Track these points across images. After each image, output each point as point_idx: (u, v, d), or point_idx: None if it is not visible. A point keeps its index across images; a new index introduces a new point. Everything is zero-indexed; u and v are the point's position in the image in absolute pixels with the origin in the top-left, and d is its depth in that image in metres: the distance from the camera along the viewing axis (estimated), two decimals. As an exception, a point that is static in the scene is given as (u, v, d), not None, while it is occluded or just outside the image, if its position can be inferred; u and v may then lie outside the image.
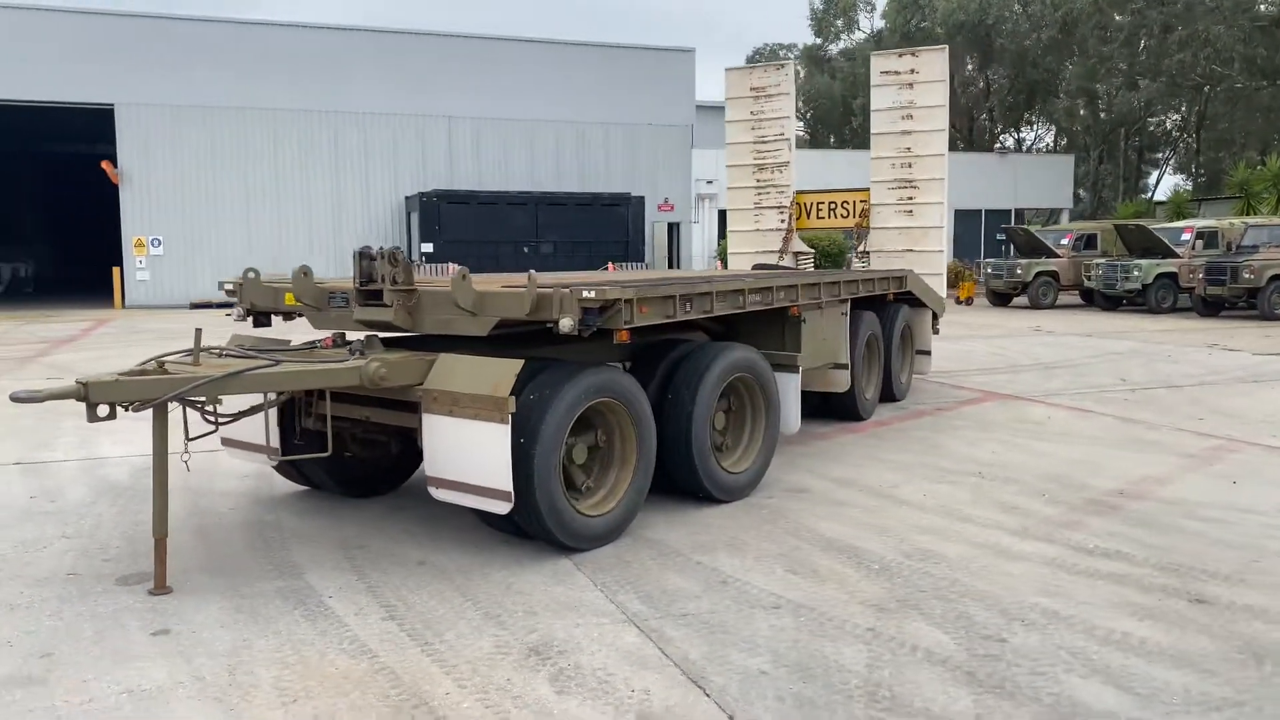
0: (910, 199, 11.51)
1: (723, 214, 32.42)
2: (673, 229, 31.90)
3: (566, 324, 4.92)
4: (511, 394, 4.76)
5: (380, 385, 5.00)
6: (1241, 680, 3.71)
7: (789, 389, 6.86)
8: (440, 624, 4.30)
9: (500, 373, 4.84)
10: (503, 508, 4.85)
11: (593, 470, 5.55)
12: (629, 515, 5.51)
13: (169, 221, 26.73)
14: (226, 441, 6.19)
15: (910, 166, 11.45)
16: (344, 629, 4.26)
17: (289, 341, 5.64)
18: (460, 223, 26.17)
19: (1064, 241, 25.47)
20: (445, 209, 26.12)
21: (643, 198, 28.83)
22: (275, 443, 5.87)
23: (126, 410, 4.56)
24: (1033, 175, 37.87)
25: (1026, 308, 24.40)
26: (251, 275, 6.13)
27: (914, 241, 11.54)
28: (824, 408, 8.94)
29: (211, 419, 5.09)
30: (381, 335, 5.67)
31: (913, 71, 11.37)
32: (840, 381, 8.42)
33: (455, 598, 4.62)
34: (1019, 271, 24.62)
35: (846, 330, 8.35)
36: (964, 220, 36.28)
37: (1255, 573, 4.89)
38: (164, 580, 4.73)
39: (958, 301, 26.22)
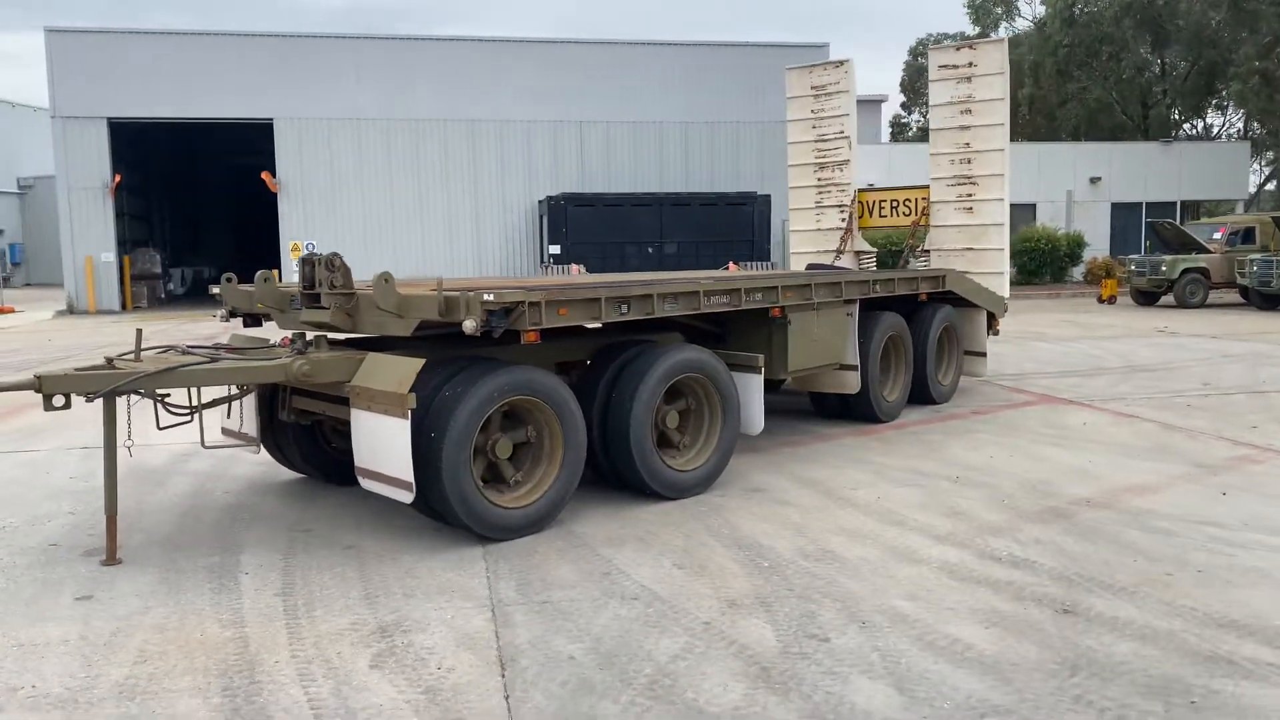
0: (970, 195, 11.17)
1: (857, 211, 31.82)
2: (805, 227, 31.54)
3: (469, 325, 5.22)
4: (411, 391, 5.10)
5: (305, 382, 5.44)
6: (1032, 690, 3.64)
7: (751, 390, 6.92)
8: (319, 602, 4.68)
9: (403, 371, 5.19)
10: (406, 497, 5.20)
11: (524, 465, 5.82)
12: (553, 508, 5.75)
13: (321, 227, 28.54)
14: (225, 432, 6.83)
15: (970, 162, 11.10)
16: (236, 602, 4.70)
17: (267, 341, 6.17)
18: (587, 225, 26.80)
19: (1216, 236, 23.81)
20: (572, 211, 26.80)
21: (769, 196, 28.67)
22: (254, 433, 6.45)
23: (87, 400, 5.14)
24: (1201, 165, 35.31)
25: (1173, 307, 22.95)
26: (229, 281, 6.70)
27: (973, 239, 11.19)
28: (842, 409, 8.88)
29: (180, 411, 5.67)
30: (341, 336, 6.12)
31: (971, 65, 11.03)
32: (849, 383, 8.37)
33: (353, 578, 5.00)
34: (1163, 269, 23.19)
35: (852, 331, 8.29)
36: (1122, 214, 34.31)
37: (1153, 586, 4.68)
38: (114, 553, 5.32)
39: (1100, 300, 24.95)
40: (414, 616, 4.48)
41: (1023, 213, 32.37)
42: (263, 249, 30.65)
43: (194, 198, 37.97)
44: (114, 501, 5.28)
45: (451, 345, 5.94)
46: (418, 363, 5.19)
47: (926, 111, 67.30)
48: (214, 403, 5.88)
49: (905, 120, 66.42)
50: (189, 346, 5.80)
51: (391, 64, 28.55)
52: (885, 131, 53.98)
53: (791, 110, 12.26)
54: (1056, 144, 38.39)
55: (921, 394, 9.62)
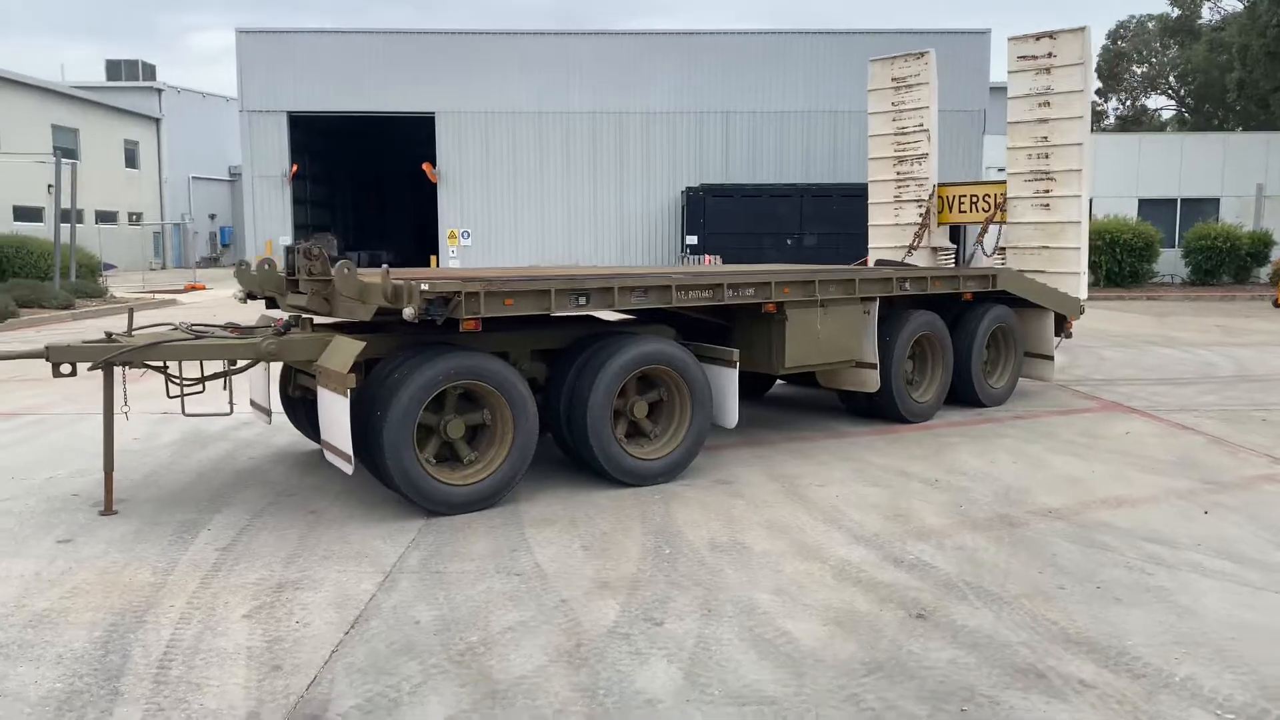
0: (1047, 192, 10.71)
1: (1016, 205, 30.54)
2: (959, 221, 30.54)
3: (408, 313, 5.61)
4: (351, 371, 5.56)
5: (273, 359, 5.98)
6: (814, 686, 3.70)
7: (726, 383, 7.02)
8: (246, 558, 5.19)
9: (348, 353, 5.65)
10: (347, 468, 5.66)
11: (480, 445, 6.18)
12: (500, 487, 6.08)
13: (476, 216, 29.90)
14: (252, 404, 7.52)
15: (1047, 157, 10.65)
16: (179, 554, 5.27)
17: (271, 322, 6.78)
18: (725, 216, 26.95)
19: None
20: (710, 202, 27.01)
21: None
22: (266, 405, 7.11)
23: (89, 370, 5.87)
24: None
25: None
26: (243, 266, 7.35)
27: (1050, 237, 10.72)
28: (870, 408, 8.81)
29: (179, 381, 6.36)
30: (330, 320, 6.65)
31: (1050, 55, 10.55)
32: (868, 381, 8.30)
33: (291, 540, 5.49)
34: (1346, 270, 21.20)
35: (870, 329, 8.21)
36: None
37: (1034, 599, 4.57)
38: (111, 504, 6.03)
39: (1275, 304, 23.11)
40: (315, 576, 4.91)
41: (1205, 207, 30.22)
42: (431, 236, 32.31)
43: (372, 186, 40.25)
44: (110, 459, 5.99)
45: (439, 333, 6.28)
46: (359, 345, 5.64)
47: (1120, 99, 63.20)
48: (214, 376, 6.52)
49: (1101, 108, 62.89)
50: (191, 325, 6.46)
51: (547, 58, 29.51)
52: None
53: (873, 103, 12.08)
54: (1248, 134, 35.47)
55: (967, 396, 9.38)
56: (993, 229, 11.33)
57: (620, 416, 6.71)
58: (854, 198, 27.44)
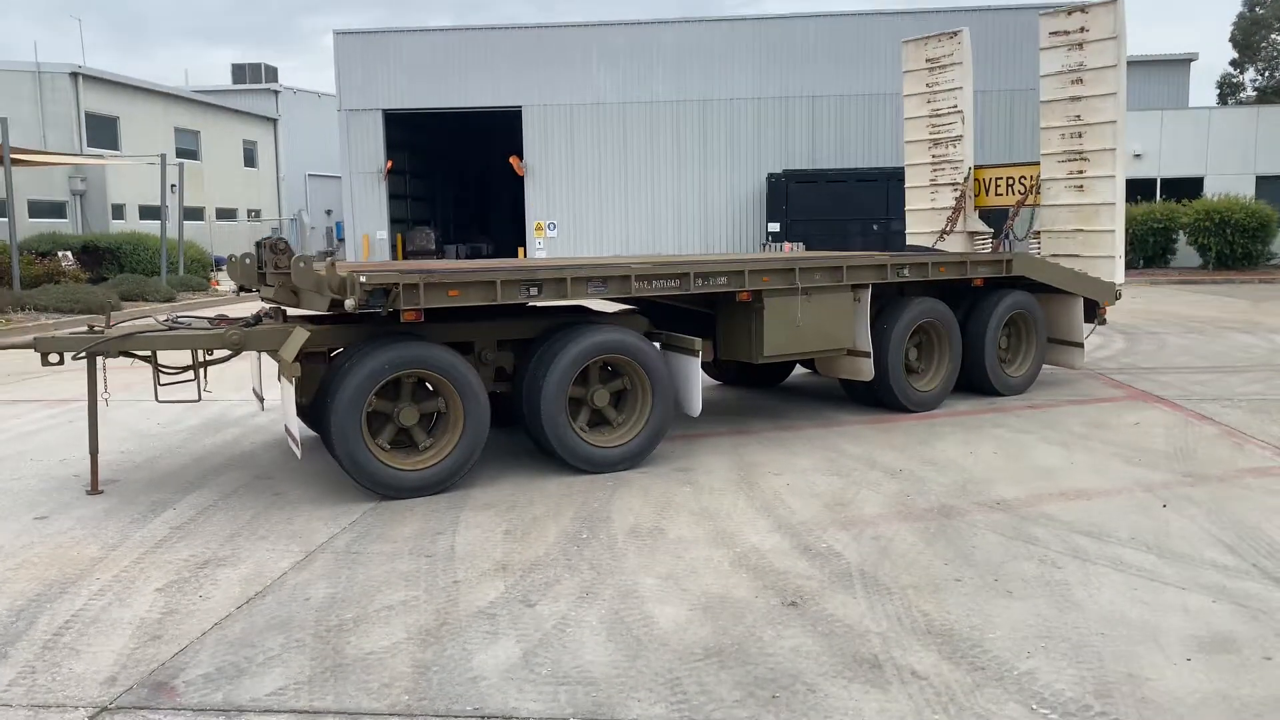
0: (1080, 173, 10.29)
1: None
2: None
3: (349, 304, 5.85)
4: (297, 360, 5.83)
5: (237, 349, 6.31)
6: (641, 669, 3.75)
7: (690, 372, 7.04)
8: (191, 537, 5.51)
9: (295, 342, 5.92)
10: (297, 452, 5.95)
11: (435, 433, 6.39)
12: (450, 473, 6.26)
13: (562, 208, 30.32)
14: (255, 392, 7.93)
15: (1080, 137, 10.23)
16: (135, 531, 5.63)
17: (258, 315, 7.13)
18: (808, 202, 26.65)
19: None
20: (793, 188, 26.75)
21: (1009, 171, 27.09)
22: (262, 394, 7.49)
23: (74, 359, 6.31)
24: None
25: None
26: (234, 259, 7.72)
27: (1084, 220, 10.30)
28: (869, 396, 8.68)
29: (170, 370, 6.77)
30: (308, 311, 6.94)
31: (1082, 30, 10.11)
32: (863, 370, 8.20)
33: (243, 520, 5.80)
34: None
35: (862, 317, 8.10)
36: None
37: (921, 590, 4.50)
38: (96, 484, 6.47)
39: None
40: (242, 554, 5.19)
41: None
42: (516, 227, 32.91)
43: (472, 180, 41.14)
44: (95, 442, 6.42)
45: (410, 323, 6.50)
46: (305, 335, 5.91)
47: (1258, 70, 59.63)
48: (209, 362, 6.91)
49: (1237, 79, 59.55)
50: (176, 318, 6.86)
51: (630, 49, 29.66)
52: (1198, 94, 48.56)
53: (907, 84, 11.82)
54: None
55: (981, 385, 9.15)
56: (1031, 212, 10.96)
57: (583, 405, 6.82)
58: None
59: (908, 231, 12.13)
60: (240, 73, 60.33)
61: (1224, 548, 5.01)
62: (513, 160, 30.43)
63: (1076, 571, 4.71)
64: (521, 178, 30.60)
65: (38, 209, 34.80)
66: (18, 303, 19.19)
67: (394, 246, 31.99)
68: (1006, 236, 11.09)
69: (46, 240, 29.87)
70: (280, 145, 50.68)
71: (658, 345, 7.18)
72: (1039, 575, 4.67)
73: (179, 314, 7.06)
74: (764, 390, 9.98)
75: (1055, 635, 4.00)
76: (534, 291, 6.45)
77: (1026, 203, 10.83)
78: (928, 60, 11.55)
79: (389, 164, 31.12)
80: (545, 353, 6.61)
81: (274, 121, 50.30)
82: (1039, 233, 10.79)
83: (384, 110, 30.80)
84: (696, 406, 7.09)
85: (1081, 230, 10.31)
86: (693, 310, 8.08)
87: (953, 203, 11.51)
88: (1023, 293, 9.30)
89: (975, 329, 9.03)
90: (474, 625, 4.20)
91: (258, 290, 7.40)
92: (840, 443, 7.53)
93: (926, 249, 10.92)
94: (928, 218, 11.80)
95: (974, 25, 28.94)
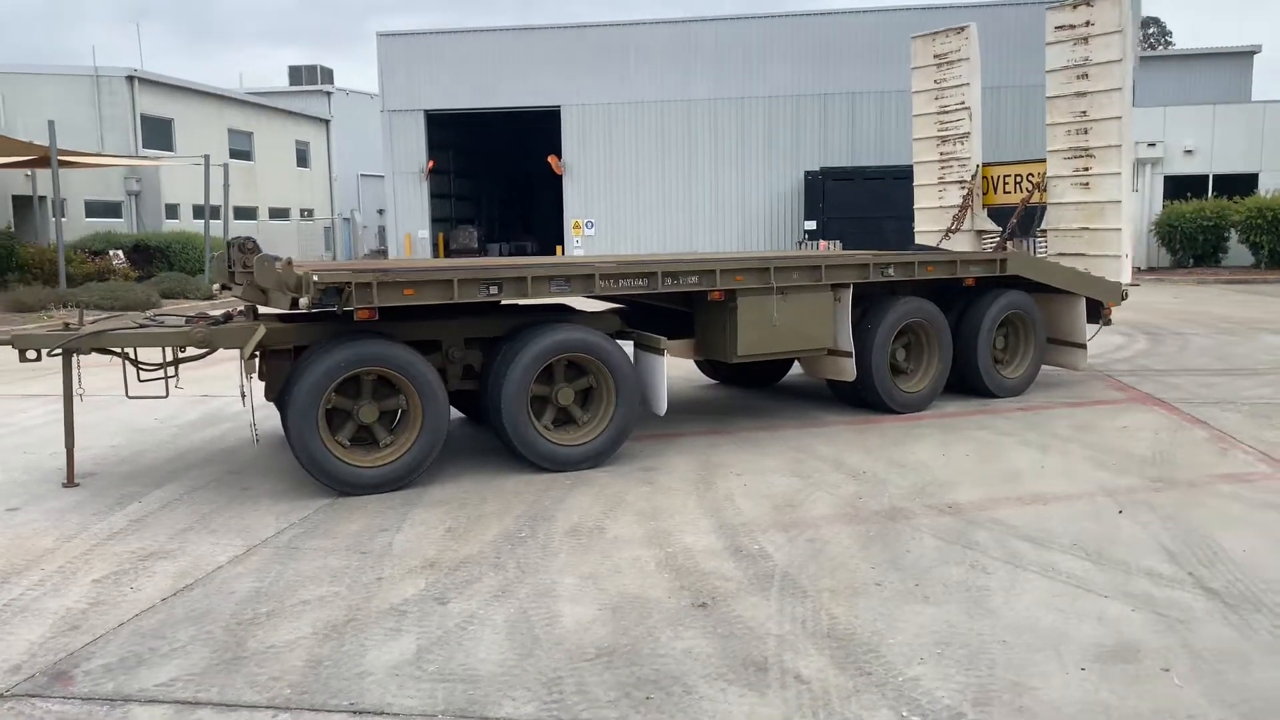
0: (1086, 170, 10.05)
1: (1167, 180, 28.66)
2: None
3: (303, 302, 5.94)
4: (251, 356, 5.95)
5: (202, 346, 6.43)
6: (532, 668, 3.77)
7: (656, 370, 7.03)
8: (144, 530, 5.64)
9: (251, 339, 6.04)
10: (254, 441, 6.07)
11: (397, 429, 6.47)
12: (409, 470, 6.33)
13: (600, 206, 30.41)
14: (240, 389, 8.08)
15: (1086, 133, 9.99)
16: (94, 523, 5.77)
17: (228, 314, 7.27)
18: (845, 200, 26.39)
19: None
20: (829, 186, 26.51)
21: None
22: (243, 389, 7.62)
23: (49, 355, 6.49)
24: None
25: None
26: (218, 257, 7.86)
27: (1090, 218, 10.07)
28: (854, 397, 8.59)
29: (146, 367, 6.93)
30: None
31: (1087, 24, 9.88)
32: (845, 370, 8.12)
33: (203, 514, 5.91)
34: None
35: (843, 316, 8.02)
36: None
37: (839, 594, 4.45)
38: (73, 477, 6.65)
39: None
40: (187, 548, 5.30)
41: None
42: (556, 225, 33.06)
43: (513, 179, 41.42)
44: (71, 436, 6.60)
45: (376, 321, 6.58)
46: (261, 332, 6.02)
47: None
48: (181, 360, 7.06)
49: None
50: (153, 315, 7.02)
51: (668, 47, 29.66)
52: (1265, 87, 47.12)
53: (916, 81, 11.67)
54: None
55: (975, 386, 9.01)
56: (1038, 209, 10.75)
57: (548, 403, 6.85)
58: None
59: (916, 230, 11.98)
60: (297, 74, 61.48)
61: (1165, 555, 4.88)
62: (551, 159, 30.60)
63: (1004, 577, 4.62)
64: (561, 177, 30.75)
65: (94, 209, 35.79)
66: (61, 300, 19.79)
67: (435, 245, 32.35)
68: (1010, 235, 10.88)
69: (100, 239, 30.72)
70: (333, 146, 51.48)
71: (631, 344, 7.18)
72: (963, 581, 4.59)
73: (157, 312, 7.23)
74: (758, 390, 9.93)
75: (955, 642, 3.93)
76: (494, 290, 6.48)
77: (1032, 200, 10.62)
78: (936, 56, 11.39)
79: (430, 164, 31.47)
80: (508, 351, 6.65)
81: (327, 122, 51.09)
82: (1045, 231, 10.58)
83: (426, 111, 31.15)
84: (662, 406, 7.08)
85: (1087, 228, 10.08)
86: (678, 310, 8.06)
87: (960, 201, 11.33)
88: (1019, 293, 9.12)
89: (968, 330, 8.89)
90: (380, 622, 4.25)
91: (234, 289, 7.54)
92: (814, 443, 7.46)
93: (931, 248, 10.76)
94: (936, 216, 11.64)
95: (1003, 20, 28.49)
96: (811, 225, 26.52)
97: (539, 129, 32.65)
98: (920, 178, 11.82)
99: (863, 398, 8.48)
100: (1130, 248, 9.88)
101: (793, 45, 29.16)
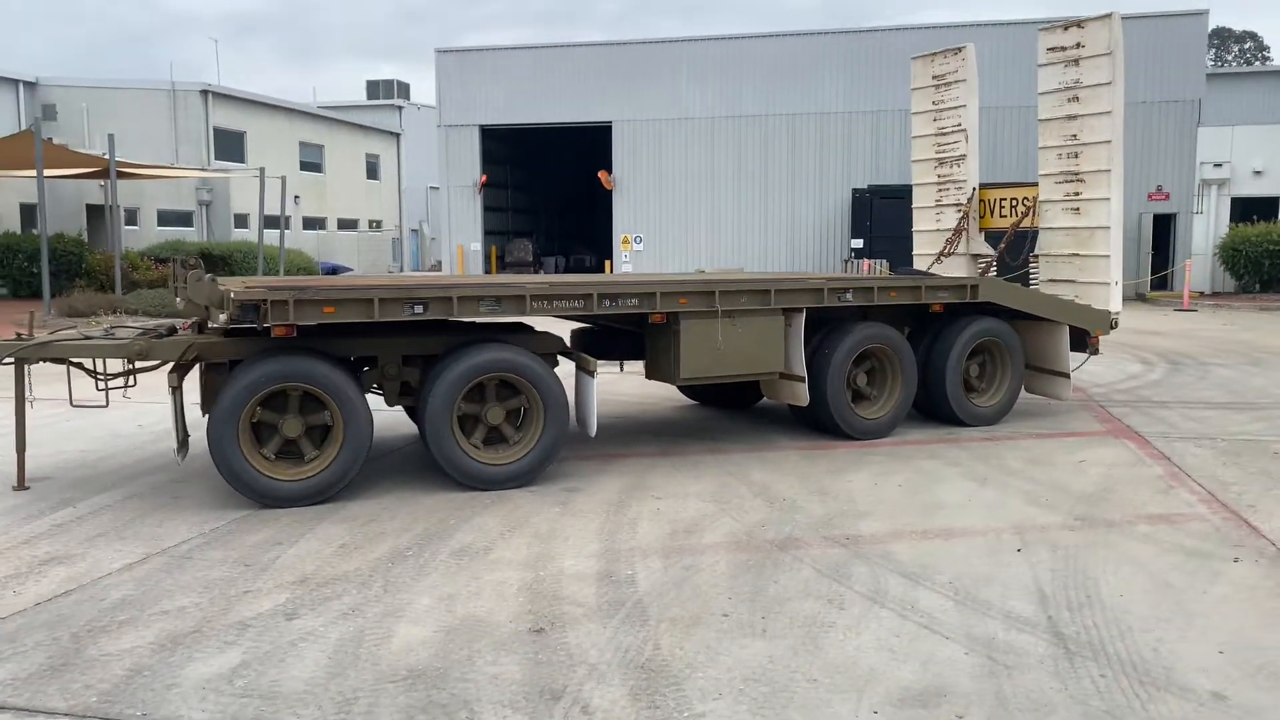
0: (1077, 195, 9.79)
1: (1234, 202, 27.68)
2: (1165, 221, 27.91)
3: (221, 318, 6.13)
4: (173, 371, 6.16)
5: (141, 359, 6.66)
6: (336, 687, 3.83)
7: (586, 391, 7.06)
8: (61, 535, 5.85)
9: (175, 352, 6.25)
10: (177, 458, 6.27)
11: (323, 444, 6.62)
12: (329, 484, 6.45)
13: (648, 221, 30.51)
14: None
15: (1076, 157, 9.73)
16: (18, 527, 6.01)
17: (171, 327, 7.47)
18: (893, 218, 25.98)
19: None
20: (877, 204, 26.21)
21: (1107, 188, 25.89)
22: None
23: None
24: None
25: None
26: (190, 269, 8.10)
27: (1080, 244, 9.80)
28: (814, 421, 8.52)
29: (102, 376, 7.21)
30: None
31: (1078, 46, 9.62)
32: (797, 394, 8.05)
33: (122, 520, 6.12)
34: None
35: (795, 341, 7.95)
36: None
37: (678, 623, 4.43)
38: (23, 481, 6.94)
39: None
40: (90, 554, 5.49)
41: None
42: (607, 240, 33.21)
43: (570, 193, 41.81)
44: (22, 440, 6.89)
45: (311, 338, 6.74)
46: (182, 346, 6.23)
47: None
48: (133, 370, 7.32)
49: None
50: (111, 327, 7.29)
51: (718, 63, 29.67)
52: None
53: (915, 102, 11.52)
54: None
55: (945, 414, 8.85)
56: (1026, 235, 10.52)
57: (479, 422, 6.93)
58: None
59: (914, 253, 11.79)
60: (375, 88, 63.03)
61: (1036, 598, 4.74)
62: (601, 175, 30.83)
63: (856, 614, 4.55)
64: (609, 192, 30.94)
65: (166, 218, 37.14)
66: (112, 305, 20.60)
67: (487, 257, 32.81)
68: (994, 261, 10.65)
69: (167, 248, 31.82)
70: (402, 159, 52.61)
71: (574, 365, 7.24)
72: (813, 615, 4.53)
73: (116, 324, 7.51)
74: (734, 412, 9.88)
75: (763, 679, 3.88)
76: (418, 310, 6.59)
77: (1022, 225, 10.38)
78: (934, 77, 11.22)
79: (483, 178, 31.95)
80: (437, 369, 6.75)
81: (397, 136, 52.25)
82: (1037, 256, 10.34)
83: (480, 125, 31.65)
84: (592, 428, 7.11)
85: (1078, 254, 9.82)
86: (638, 332, 8.08)
87: (956, 224, 11.13)
88: (993, 319, 8.94)
89: (937, 356, 8.74)
90: (221, 635, 4.36)
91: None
92: (753, 469, 7.41)
93: (921, 272, 10.59)
94: (934, 239, 11.45)
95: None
96: (859, 244, 26.24)
97: (594, 143, 32.91)
98: (919, 200, 11.65)
99: (820, 423, 8.39)
100: (1120, 275, 9.59)
101: (845, 62, 28.93)
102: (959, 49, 10.97)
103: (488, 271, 32.67)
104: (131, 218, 35.47)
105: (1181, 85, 27.33)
